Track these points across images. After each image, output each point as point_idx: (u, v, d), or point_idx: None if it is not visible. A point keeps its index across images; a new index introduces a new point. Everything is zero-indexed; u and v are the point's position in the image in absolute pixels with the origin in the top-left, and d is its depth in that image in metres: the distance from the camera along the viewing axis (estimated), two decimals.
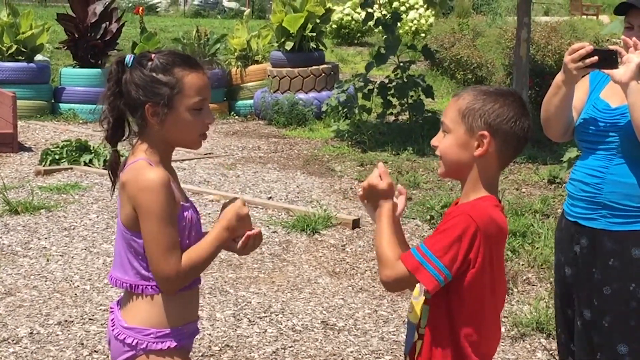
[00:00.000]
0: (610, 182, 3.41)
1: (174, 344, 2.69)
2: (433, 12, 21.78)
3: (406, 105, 11.96)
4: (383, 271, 2.49)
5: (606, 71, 3.37)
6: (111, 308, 2.81)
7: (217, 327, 5.26)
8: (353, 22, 21.41)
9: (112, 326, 2.72)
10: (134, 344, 2.66)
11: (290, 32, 13.41)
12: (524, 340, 5.18)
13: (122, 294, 2.79)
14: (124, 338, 2.67)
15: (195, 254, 2.66)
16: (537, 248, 6.53)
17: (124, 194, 2.63)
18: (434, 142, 2.61)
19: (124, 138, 2.76)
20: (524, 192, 8.64)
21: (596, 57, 3.30)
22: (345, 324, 5.39)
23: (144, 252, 2.63)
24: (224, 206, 2.77)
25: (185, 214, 2.69)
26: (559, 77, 3.48)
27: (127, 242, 2.66)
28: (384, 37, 12.48)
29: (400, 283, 2.49)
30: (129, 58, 2.69)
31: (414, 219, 7.60)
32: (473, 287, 2.47)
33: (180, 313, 2.72)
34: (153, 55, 2.67)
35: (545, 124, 3.64)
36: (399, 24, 12.60)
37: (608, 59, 3.32)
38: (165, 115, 2.63)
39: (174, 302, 2.69)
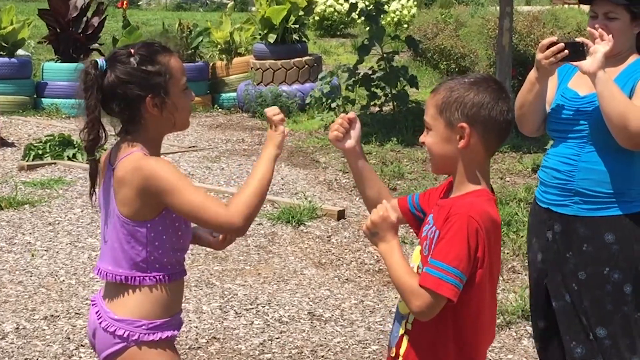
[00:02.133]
0: (582, 169, 3.45)
1: (165, 334, 2.71)
2: (415, 3, 21.79)
3: (390, 96, 11.97)
4: (413, 302, 2.44)
5: (574, 63, 3.41)
6: (93, 301, 2.81)
7: (204, 320, 5.26)
8: (335, 14, 21.39)
9: (99, 319, 2.72)
10: (125, 335, 2.67)
11: (273, 24, 13.38)
12: (509, 328, 5.21)
13: (104, 287, 2.79)
14: (115, 330, 2.67)
15: (252, 179, 2.68)
16: (522, 237, 6.55)
17: (124, 187, 2.62)
18: (421, 139, 2.63)
19: (102, 143, 2.74)
20: (508, 181, 8.67)
21: (566, 51, 3.36)
22: (332, 315, 5.40)
23: (147, 241, 2.64)
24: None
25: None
26: (533, 74, 3.51)
27: (128, 233, 2.65)
28: (367, 28, 12.47)
29: (433, 308, 2.42)
30: (101, 62, 2.69)
31: None
32: (478, 287, 2.47)
33: (169, 304, 2.74)
34: (132, 50, 2.68)
35: (520, 120, 3.65)
36: (382, 15, 12.58)
37: (576, 51, 3.37)
38: (165, 103, 2.66)
39: (164, 293, 2.70)
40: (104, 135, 2.73)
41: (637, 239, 3.45)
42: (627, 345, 3.47)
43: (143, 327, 2.68)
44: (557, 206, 3.54)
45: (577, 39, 3.42)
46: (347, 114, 2.86)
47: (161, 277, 2.69)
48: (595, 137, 3.44)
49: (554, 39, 3.39)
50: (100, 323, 2.71)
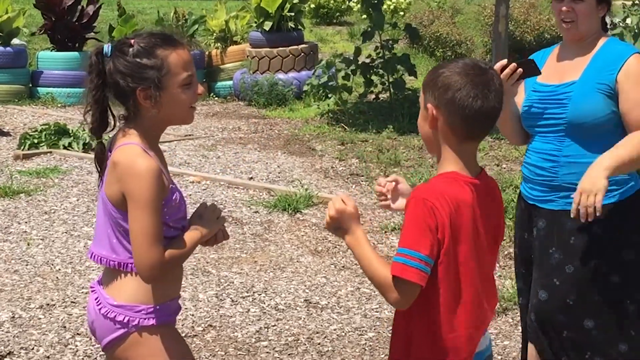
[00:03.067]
0: (564, 164, 3.42)
1: (164, 319, 2.71)
2: None
3: (387, 84, 11.94)
4: (389, 295, 2.42)
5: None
6: (92, 287, 2.80)
7: (200, 308, 5.25)
8: (332, 2, 21.31)
9: (98, 305, 2.71)
10: (125, 321, 2.67)
11: (269, 12, 13.34)
12: (506, 315, 5.21)
13: (103, 272, 2.78)
14: (115, 316, 2.67)
15: (177, 249, 2.67)
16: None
17: (114, 174, 2.63)
18: None
19: (110, 129, 2.76)
20: (504, 168, 8.66)
21: (521, 70, 3.39)
22: (328, 302, 5.40)
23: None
24: (198, 209, 2.81)
25: (174, 196, 2.71)
26: None
27: (114, 221, 2.66)
28: (363, 16, 12.43)
29: (406, 295, 2.40)
30: (107, 48, 2.69)
31: None
32: (445, 268, 2.43)
33: (167, 289, 2.74)
34: (133, 41, 2.67)
35: (506, 136, 3.72)
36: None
37: (530, 68, 3.42)
38: (158, 97, 2.64)
39: (162, 278, 2.69)
40: (111, 119, 2.75)
41: (622, 228, 3.43)
42: (618, 334, 3.45)
43: (142, 312, 2.68)
44: (543, 202, 3.52)
45: (529, 58, 3.48)
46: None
47: None
48: (573, 129, 3.40)
49: (504, 62, 3.40)
50: (100, 310, 2.71)
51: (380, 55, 11.88)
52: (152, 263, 2.59)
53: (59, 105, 12.62)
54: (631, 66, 3.35)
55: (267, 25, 13.40)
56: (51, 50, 13.41)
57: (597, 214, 3.15)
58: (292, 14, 13.55)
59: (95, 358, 4.60)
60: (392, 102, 11.76)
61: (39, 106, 12.58)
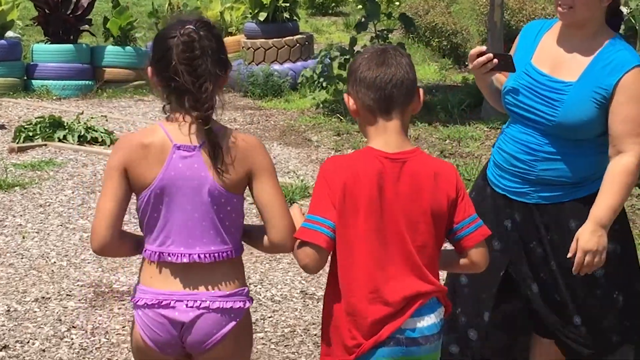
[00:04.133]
0: (543, 160, 3.30)
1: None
2: None
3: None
4: (298, 260, 2.62)
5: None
6: (165, 302, 2.63)
7: None
8: None
9: (200, 305, 2.61)
10: (237, 307, 2.66)
11: (264, 3, 13.30)
12: None
13: (182, 277, 2.66)
14: (231, 305, 2.64)
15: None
16: None
17: (231, 159, 2.59)
18: None
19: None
20: None
21: (496, 60, 3.35)
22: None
23: (241, 211, 2.70)
24: None
25: None
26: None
27: (229, 208, 2.63)
28: (359, 6, 12.39)
29: (311, 258, 2.58)
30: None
31: None
32: (341, 233, 2.56)
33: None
34: (213, 22, 2.72)
35: (494, 105, 3.68)
36: None
37: (506, 62, 3.37)
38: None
39: None
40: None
41: None
42: (607, 327, 3.40)
43: (246, 293, 2.73)
44: (516, 194, 3.40)
45: (508, 54, 3.41)
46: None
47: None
48: (560, 130, 3.29)
49: (483, 48, 3.36)
50: (209, 309, 2.61)
51: (376, 44, 11.85)
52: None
53: (54, 97, 12.58)
54: (630, 80, 3.19)
55: (262, 16, 13.36)
56: (45, 43, 13.36)
57: (600, 265, 3.19)
58: (287, 4, 13.52)
59: (91, 351, 4.59)
60: None
61: (34, 99, 12.54)
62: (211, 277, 2.64)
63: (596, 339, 3.42)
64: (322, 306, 2.74)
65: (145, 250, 2.70)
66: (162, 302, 2.62)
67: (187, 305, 2.60)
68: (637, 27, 8.07)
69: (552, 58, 3.35)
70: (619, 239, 3.39)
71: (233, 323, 2.65)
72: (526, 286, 3.47)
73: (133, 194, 2.70)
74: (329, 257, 2.65)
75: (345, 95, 2.67)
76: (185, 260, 2.61)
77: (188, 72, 2.54)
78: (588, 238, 3.14)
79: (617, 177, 3.18)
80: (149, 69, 2.65)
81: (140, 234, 2.77)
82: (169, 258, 2.62)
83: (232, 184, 2.61)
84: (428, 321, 2.62)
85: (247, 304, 2.69)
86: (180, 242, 2.62)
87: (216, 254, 2.63)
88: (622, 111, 3.19)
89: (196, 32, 2.55)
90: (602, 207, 3.17)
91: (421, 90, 2.68)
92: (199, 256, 2.62)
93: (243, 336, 2.73)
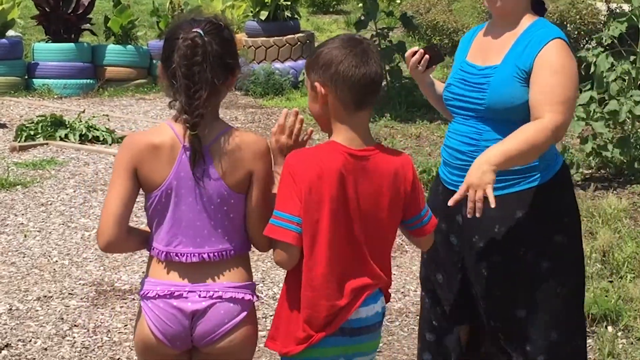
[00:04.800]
0: (484, 148, 3.23)
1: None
2: None
3: (384, 72, 11.90)
4: (273, 255, 2.67)
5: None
6: (178, 293, 2.67)
7: None
8: None
9: (213, 295, 2.67)
10: (247, 299, 2.73)
11: (265, 1, 13.29)
12: None
13: (194, 272, 2.70)
14: (242, 297, 2.70)
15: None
16: None
17: (236, 159, 2.63)
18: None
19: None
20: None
21: (427, 56, 3.42)
22: None
23: (244, 209, 2.70)
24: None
25: None
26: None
27: (234, 206, 2.67)
28: (359, 5, 12.37)
29: (282, 255, 2.62)
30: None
31: None
32: (305, 229, 2.57)
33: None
34: (223, 24, 2.71)
35: (445, 116, 3.67)
36: None
37: (435, 54, 3.47)
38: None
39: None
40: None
41: (548, 212, 3.33)
42: (548, 322, 3.35)
43: (253, 287, 2.80)
44: None
45: (433, 44, 3.49)
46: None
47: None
48: (493, 114, 3.29)
49: (416, 48, 3.41)
50: (221, 298, 2.67)
51: (377, 43, 11.85)
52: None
53: (55, 96, 12.57)
54: (547, 52, 3.22)
55: (263, 14, 13.34)
56: (47, 42, 13.36)
57: (492, 206, 3.02)
58: (288, 3, 13.50)
59: (93, 349, 4.59)
60: (388, 91, 11.73)
61: (35, 98, 12.54)
62: (221, 272, 2.69)
63: (536, 334, 3.36)
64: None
65: (153, 249, 2.72)
66: (174, 292, 2.64)
67: (199, 295, 2.64)
68: (639, 26, 8.05)
69: (483, 50, 3.41)
70: (567, 232, 3.37)
71: (244, 313, 2.70)
72: (475, 282, 3.44)
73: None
74: None
75: (317, 85, 2.64)
76: (195, 259, 2.65)
77: (185, 76, 2.56)
78: (472, 172, 3.05)
79: (524, 129, 3.14)
80: (159, 64, 2.70)
81: (146, 228, 2.79)
82: (177, 258, 2.66)
83: (236, 184, 2.65)
84: (371, 311, 2.72)
85: (255, 298, 2.76)
86: (188, 242, 2.65)
87: (224, 252, 2.68)
88: (541, 81, 3.20)
89: (201, 37, 2.56)
90: (497, 148, 3.11)
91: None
92: (208, 255, 2.66)
93: (250, 330, 2.76)
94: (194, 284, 2.66)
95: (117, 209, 2.63)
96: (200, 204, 2.63)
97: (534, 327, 3.36)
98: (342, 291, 2.64)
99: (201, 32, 2.57)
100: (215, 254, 2.66)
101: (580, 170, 7.79)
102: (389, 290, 2.85)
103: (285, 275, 2.75)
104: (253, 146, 2.66)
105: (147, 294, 2.68)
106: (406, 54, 3.46)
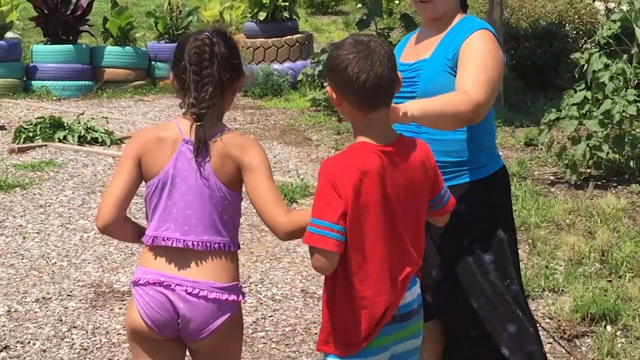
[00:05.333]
0: (426, 140, 3.15)
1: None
2: None
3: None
4: (312, 262, 2.61)
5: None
6: (166, 283, 2.78)
7: None
8: None
9: (199, 294, 2.76)
10: (232, 300, 2.81)
11: (263, 2, 13.30)
12: None
13: (180, 266, 2.80)
14: (226, 298, 2.79)
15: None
16: (515, 210, 6.53)
17: (229, 159, 2.78)
18: None
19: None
20: (501, 156, 8.62)
21: None
22: None
23: (238, 208, 2.86)
24: None
25: None
26: None
27: (227, 202, 2.81)
28: (358, 5, 12.37)
29: (322, 262, 2.58)
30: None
31: None
32: (353, 235, 2.57)
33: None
34: (230, 33, 2.95)
35: None
36: None
37: None
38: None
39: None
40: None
41: (490, 205, 3.36)
42: (500, 314, 3.35)
43: (240, 288, 2.87)
44: None
45: None
46: None
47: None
48: None
49: None
50: (205, 299, 2.76)
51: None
52: (284, 221, 2.79)
53: (54, 98, 12.59)
54: (473, 39, 3.28)
55: (262, 15, 13.36)
56: (45, 44, 13.36)
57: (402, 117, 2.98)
58: (287, 3, 13.52)
59: (92, 351, 4.59)
60: None
61: (34, 99, 12.55)
62: (207, 266, 2.79)
63: (492, 329, 3.37)
64: (324, 299, 2.74)
65: (145, 236, 2.86)
66: (163, 282, 2.78)
67: (186, 291, 2.76)
68: (634, 27, 8.06)
69: (415, 50, 3.46)
70: (507, 229, 3.43)
71: (228, 314, 2.80)
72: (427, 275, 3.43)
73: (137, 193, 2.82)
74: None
75: (328, 88, 2.69)
76: (179, 245, 2.78)
77: (195, 72, 2.78)
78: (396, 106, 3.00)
79: (451, 94, 3.16)
80: (171, 71, 2.89)
81: (145, 224, 2.90)
82: (163, 242, 2.79)
83: (229, 180, 2.80)
84: (414, 294, 2.77)
85: (240, 298, 2.85)
86: (176, 227, 2.79)
87: (209, 244, 2.79)
88: (466, 64, 3.24)
89: (209, 38, 2.80)
90: (420, 101, 3.09)
91: (399, 74, 2.71)
92: (192, 243, 2.78)
93: (235, 329, 2.88)
94: (182, 278, 2.77)
95: (118, 193, 2.80)
96: (192, 194, 2.78)
97: (486, 320, 3.36)
98: (395, 285, 2.68)
99: (210, 35, 2.82)
100: (200, 243, 2.77)
101: (579, 169, 7.79)
102: None
103: (325, 282, 2.72)
104: (239, 141, 2.82)
105: (138, 281, 2.81)
106: None
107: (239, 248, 2.88)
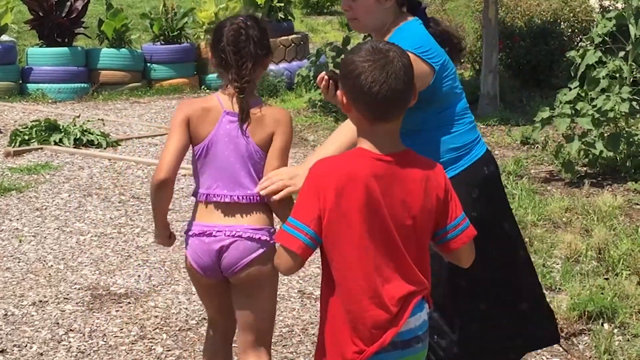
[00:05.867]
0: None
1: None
2: None
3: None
4: (275, 261, 2.65)
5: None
6: (208, 232, 3.23)
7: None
8: None
9: (235, 234, 3.20)
10: (265, 239, 3.22)
11: (258, 3, 13.30)
12: None
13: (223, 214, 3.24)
14: (259, 237, 3.22)
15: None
16: (512, 209, 6.52)
17: (266, 127, 3.23)
18: None
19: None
20: (497, 154, 8.64)
21: (332, 81, 3.31)
22: None
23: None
24: None
25: None
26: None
27: (262, 162, 3.24)
28: None
29: (285, 262, 2.59)
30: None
31: None
32: (330, 240, 2.54)
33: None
34: (262, 18, 3.44)
35: None
36: None
37: (337, 77, 3.47)
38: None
39: None
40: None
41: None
42: (453, 311, 3.36)
43: (272, 232, 3.27)
44: None
45: (332, 70, 3.49)
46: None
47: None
48: None
49: (322, 74, 3.28)
50: (241, 235, 3.20)
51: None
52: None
53: (50, 101, 12.57)
54: None
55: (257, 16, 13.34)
56: (40, 46, 13.34)
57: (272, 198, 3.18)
58: (282, 4, 13.54)
59: (89, 354, 4.58)
60: None
61: (30, 102, 12.53)
62: (246, 214, 3.24)
63: (446, 325, 3.40)
64: (319, 307, 2.72)
65: (197, 194, 3.29)
66: (205, 232, 3.24)
67: (225, 234, 3.22)
68: (629, 25, 8.07)
69: None
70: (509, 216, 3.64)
71: (260, 251, 3.21)
72: None
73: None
74: (322, 262, 2.64)
75: (339, 92, 2.62)
76: (227, 200, 3.24)
77: (234, 52, 3.21)
78: (289, 170, 3.21)
79: (339, 131, 3.33)
80: (209, 52, 3.33)
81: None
82: (214, 198, 3.25)
83: (262, 143, 3.24)
84: (419, 320, 2.63)
85: (272, 240, 3.21)
86: (224, 186, 3.24)
87: (251, 197, 3.23)
88: None
89: (244, 22, 3.26)
90: (318, 155, 3.13)
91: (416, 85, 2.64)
92: (238, 197, 3.23)
93: (267, 267, 3.20)
94: (223, 225, 3.22)
95: (176, 149, 3.20)
96: (233, 156, 3.22)
97: (441, 319, 3.35)
98: (385, 300, 2.55)
99: (244, 19, 3.27)
100: (244, 197, 3.22)
101: (575, 168, 7.79)
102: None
103: (321, 292, 2.68)
104: (276, 115, 3.28)
105: (188, 232, 3.30)
106: (317, 81, 3.37)
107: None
